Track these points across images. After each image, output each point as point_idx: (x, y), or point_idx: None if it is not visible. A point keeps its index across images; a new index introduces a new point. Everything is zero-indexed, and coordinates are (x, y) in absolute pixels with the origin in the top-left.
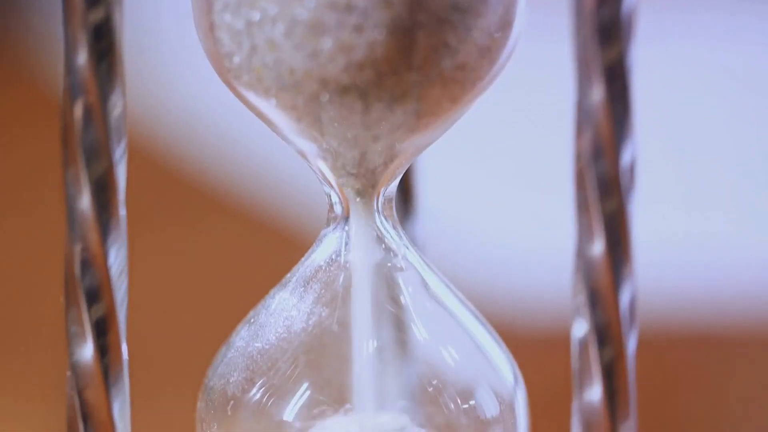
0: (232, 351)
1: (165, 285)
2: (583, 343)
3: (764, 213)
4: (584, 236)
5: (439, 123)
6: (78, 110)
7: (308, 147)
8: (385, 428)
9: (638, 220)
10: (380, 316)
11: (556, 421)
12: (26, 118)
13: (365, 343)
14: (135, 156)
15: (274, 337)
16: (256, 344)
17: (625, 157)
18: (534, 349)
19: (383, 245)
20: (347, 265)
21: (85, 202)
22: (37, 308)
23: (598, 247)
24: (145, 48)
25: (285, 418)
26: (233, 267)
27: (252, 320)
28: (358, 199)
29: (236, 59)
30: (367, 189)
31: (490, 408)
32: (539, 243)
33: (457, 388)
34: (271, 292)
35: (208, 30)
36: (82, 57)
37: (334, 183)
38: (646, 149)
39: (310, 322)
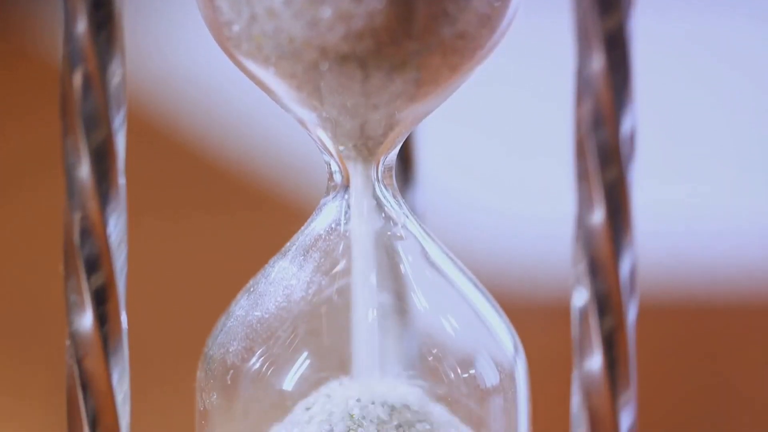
0: (232, 320)
1: (164, 254)
2: (584, 312)
3: (765, 182)
4: (584, 205)
5: (439, 92)
6: (77, 79)
7: (308, 115)
8: (385, 395)
9: (638, 189)
10: (380, 284)
11: (557, 390)
12: (27, 90)
13: (365, 311)
14: (134, 125)
15: (273, 306)
16: (256, 313)
17: (625, 126)
18: (534, 318)
19: (383, 214)
20: (347, 233)
21: (84, 170)
22: (37, 277)
23: (598, 216)
24: (145, 16)
25: (285, 388)
26: (233, 236)
27: (252, 289)
28: (357, 168)
29: (236, 28)
30: (366, 157)
31: (490, 377)
32: (539, 212)
33: (457, 358)
34: (271, 261)
35: None
36: (82, 25)
37: (333, 152)
38: (646, 118)
39: (310, 291)
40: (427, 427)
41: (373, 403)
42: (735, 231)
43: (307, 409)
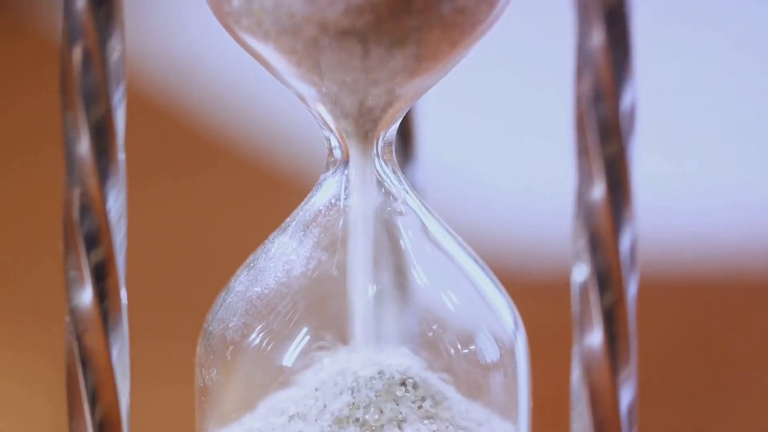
0: (232, 296)
1: (164, 229)
2: (584, 288)
3: (766, 157)
4: (584, 180)
5: (439, 67)
6: (77, 54)
7: (307, 91)
8: (385, 365)
9: (638, 164)
10: (380, 260)
11: (557, 366)
12: (27, 66)
13: (364, 287)
14: (134, 100)
15: (273, 282)
16: (256, 289)
17: (626, 101)
18: (534, 293)
19: (383, 189)
20: (347, 209)
21: (83, 146)
22: (36, 253)
23: (598, 191)
24: None
25: (284, 363)
26: (232, 211)
27: (251, 265)
28: (357, 143)
29: (235, 3)
30: (366, 133)
31: (490, 353)
32: (539, 187)
33: (457, 333)
34: (271, 236)
35: None
36: (81, 1)
37: (333, 127)
38: (646, 93)
39: (310, 267)
40: (429, 397)
41: (373, 373)
42: (736, 206)
43: (310, 379)
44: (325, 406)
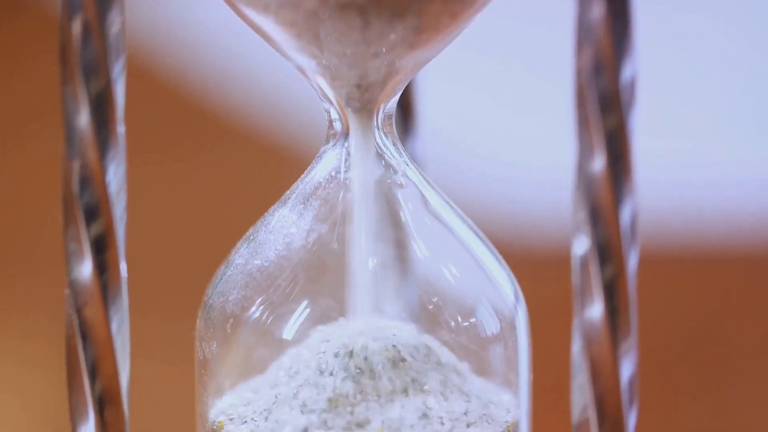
0: (232, 269)
1: (164, 202)
2: (584, 261)
3: (765, 130)
4: (585, 153)
5: (439, 39)
6: (76, 27)
7: (307, 63)
8: (386, 331)
9: (639, 137)
10: (380, 233)
11: (557, 339)
12: (26, 39)
13: (365, 259)
14: (134, 73)
15: (273, 255)
16: (256, 262)
17: (626, 74)
18: (535, 266)
19: (383, 162)
20: (347, 181)
21: (83, 119)
22: (36, 226)
23: (598, 164)
24: None
25: (284, 336)
26: (232, 184)
27: (251, 238)
28: (357, 116)
29: None
30: (366, 105)
31: (490, 325)
32: (540, 160)
33: (457, 306)
34: (271, 209)
35: None
36: None
37: (333, 99)
38: (647, 66)
39: (310, 240)
40: (430, 365)
41: (372, 340)
42: (737, 179)
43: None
44: (321, 373)
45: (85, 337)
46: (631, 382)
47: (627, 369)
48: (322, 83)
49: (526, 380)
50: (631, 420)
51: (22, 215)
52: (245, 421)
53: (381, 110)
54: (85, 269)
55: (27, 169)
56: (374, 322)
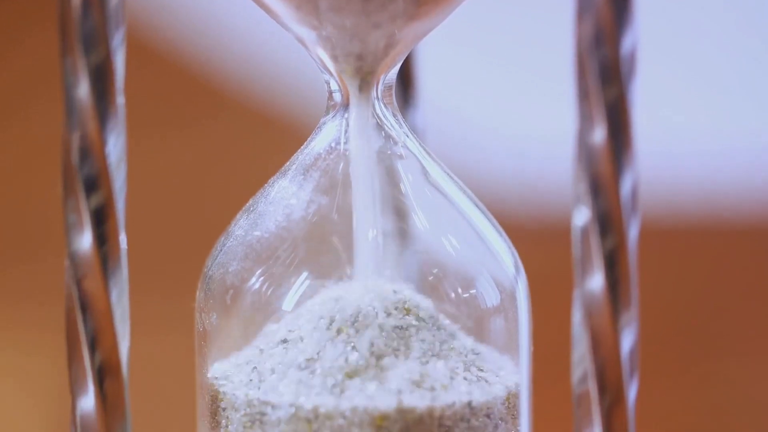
0: (231, 240)
1: (164, 174)
2: (585, 232)
3: (766, 101)
4: (585, 124)
5: (439, 10)
6: None
7: (307, 35)
8: (386, 292)
9: (639, 108)
10: (380, 204)
11: (558, 310)
12: (26, 9)
13: (365, 231)
14: (134, 45)
15: (273, 226)
16: (256, 233)
17: (626, 44)
18: (535, 237)
19: (383, 133)
20: (347, 153)
21: (83, 90)
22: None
23: (599, 135)
24: None
25: (284, 307)
26: (232, 155)
27: (251, 209)
28: (357, 87)
29: None
30: (366, 76)
31: (491, 297)
32: (540, 131)
33: (458, 277)
34: (271, 180)
35: None
36: None
37: (333, 71)
38: (647, 37)
39: (310, 211)
40: (430, 325)
41: (373, 300)
42: (738, 150)
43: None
44: (322, 318)
45: (84, 309)
46: (632, 354)
47: (627, 340)
48: (322, 54)
49: (526, 352)
50: (632, 391)
51: (21, 187)
52: (244, 382)
53: (381, 81)
54: (85, 241)
55: (27, 140)
56: (374, 283)
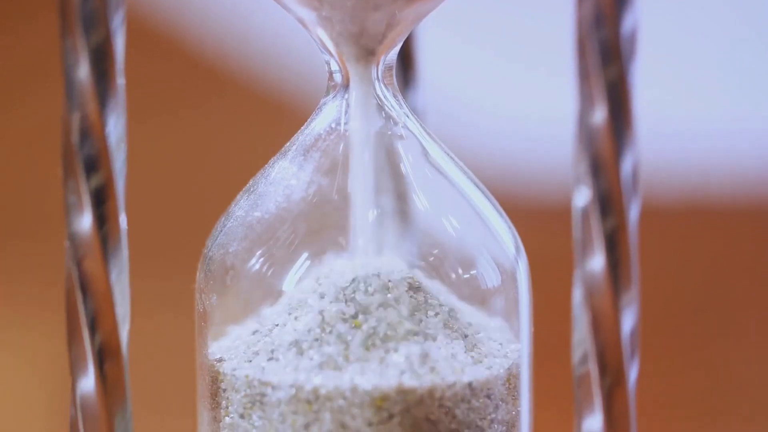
0: (232, 221)
1: (164, 155)
2: (585, 212)
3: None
4: (585, 104)
5: None
6: None
7: (307, 15)
8: (387, 269)
9: (640, 88)
10: (380, 184)
11: (558, 291)
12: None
13: (365, 211)
14: (134, 26)
15: (273, 207)
16: (256, 213)
17: (627, 24)
18: (536, 218)
19: (383, 113)
20: (347, 133)
21: (83, 71)
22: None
23: (599, 115)
24: None
25: (284, 288)
26: (232, 136)
27: (251, 189)
28: (357, 67)
29: None
30: (366, 56)
31: (491, 277)
32: (540, 112)
33: (458, 258)
34: (271, 161)
35: None
36: None
37: (333, 51)
38: (648, 16)
39: (310, 191)
40: (430, 298)
41: (372, 273)
42: (739, 129)
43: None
44: (323, 297)
45: (84, 290)
46: (633, 335)
47: (628, 321)
48: (322, 35)
49: (526, 332)
50: (633, 372)
51: (22, 168)
52: (244, 363)
53: (381, 62)
54: (85, 222)
55: (27, 122)
56: (374, 261)
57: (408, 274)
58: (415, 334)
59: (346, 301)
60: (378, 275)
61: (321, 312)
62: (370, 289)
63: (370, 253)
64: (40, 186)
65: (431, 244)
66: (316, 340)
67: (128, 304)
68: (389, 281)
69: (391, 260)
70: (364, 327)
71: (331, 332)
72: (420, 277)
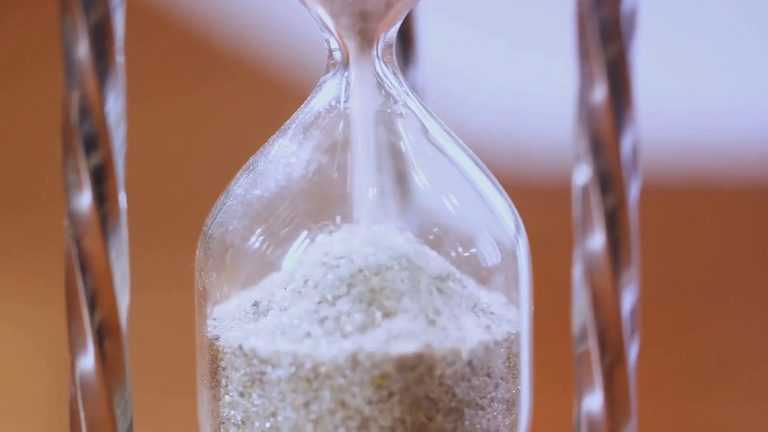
0: (231, 199)
1: (164, 133)
2: (585, 190)
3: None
4: (585, 83)
5: None
6: None
7: None
8: (385, 239)
9: (640, 66)
10: (380, 162)
11: (558, 269)
12: None
13: (365, 189)
14: (133, 5)
15: (273, 185)
16: (255, 192)
17: (627, 3)
18: (536, 196)
19: (383, 91)
20: (347, 111)
21: (82, 49)
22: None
23: (599, 94)
24: None
25: (284, 267)
26: (232, 114)
27: (251, 168)
28: (357, 45)
29: None
30: (366, 35)
31: (491, 256)
32: (540, 90)
33: (458, 236)
34: (270, 139)
35: None
36: None
37: (333, 29)
38: None
39: (310, 169)
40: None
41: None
42: (739, 108)
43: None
44: (326, 274)
45: (84, 268)
46: (633, 313)
47: (628, 300)
48: (322, 13)
49: (526, 311)
50: (633, 351)
51: (21, 151)
52: (243, 342)
53: (381, 40)
54: (84, 200)
55: (27, 101)
56: (374, 230)
57: (410, 244)
58: (417, 311)
59: (344, 280)
60: (378, 245)
61: (320, 290)
62: (372, 266)
63: (370, 225)
64: (40, 161)
65: (431, 223)
66: (316, 319)
67: (128, 282)
68: (390, 257)
69: (391, 230)
70: (365, 305)
71: (331, 310)
72: (421, 247)
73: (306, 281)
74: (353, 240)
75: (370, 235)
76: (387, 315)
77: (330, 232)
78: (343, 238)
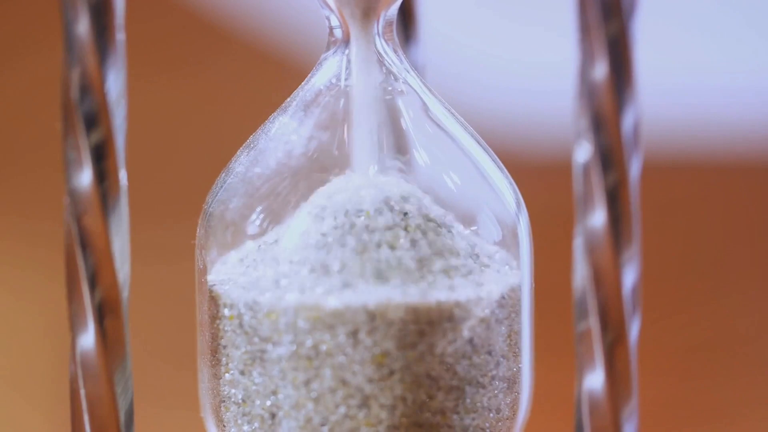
0: (232, 177)
1: (165, 110)
2: (586, 168)
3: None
4: (587, 59)
5: None
6: None
7: None
8: (386, 186)
9: (641, 43)
10: (380, 140)
11: (559, 247)
12: None
13: (366, 167)
14: None
15: (273, 162)
16: (256, 170)
17: None
18: (536, 174)
19: (384, 69)
20: (347, 89)
21: (82, 26)
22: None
23: (600, 70)
24: None
25: (284, 245)
26: (232, 92)
27: (252, 145)
28: (358, 22)
29: None
30: (367, 12)
31: (492, 234)
32: (541, 67)
33: (459, 214)
34: (271, 117)
35: None
36: None
37: (333, 6)
38: None
39: (311, 147)
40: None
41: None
42: (741, 86)
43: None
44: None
45: (84, 246)
46: (634, 291)
47: (629, 277)
48: None
49: (527, 289)
50: (634, 329)
51: (22, 123)
52: (244, 320)
53: (382, 17)
54: (85, 178)
55: (28, 81)
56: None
57: (415, 197)
58: (419, 282)
59: (348, 226)
60: (383, 199)
61: (322, 237)
62: (371, 204)
63: (372, 175)
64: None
65: (432, 200)
66: (318, 297)
67: (128, 260)
68: (393, 203)
69: (395, 181)
70: (367, 277)
71: (333, 285)
72: (427, 200)
73: (311, 263)
74: (356, 192)
75: (372, 184)
76: (388, 308)
77: (331, 185)
78: (344, 189)
